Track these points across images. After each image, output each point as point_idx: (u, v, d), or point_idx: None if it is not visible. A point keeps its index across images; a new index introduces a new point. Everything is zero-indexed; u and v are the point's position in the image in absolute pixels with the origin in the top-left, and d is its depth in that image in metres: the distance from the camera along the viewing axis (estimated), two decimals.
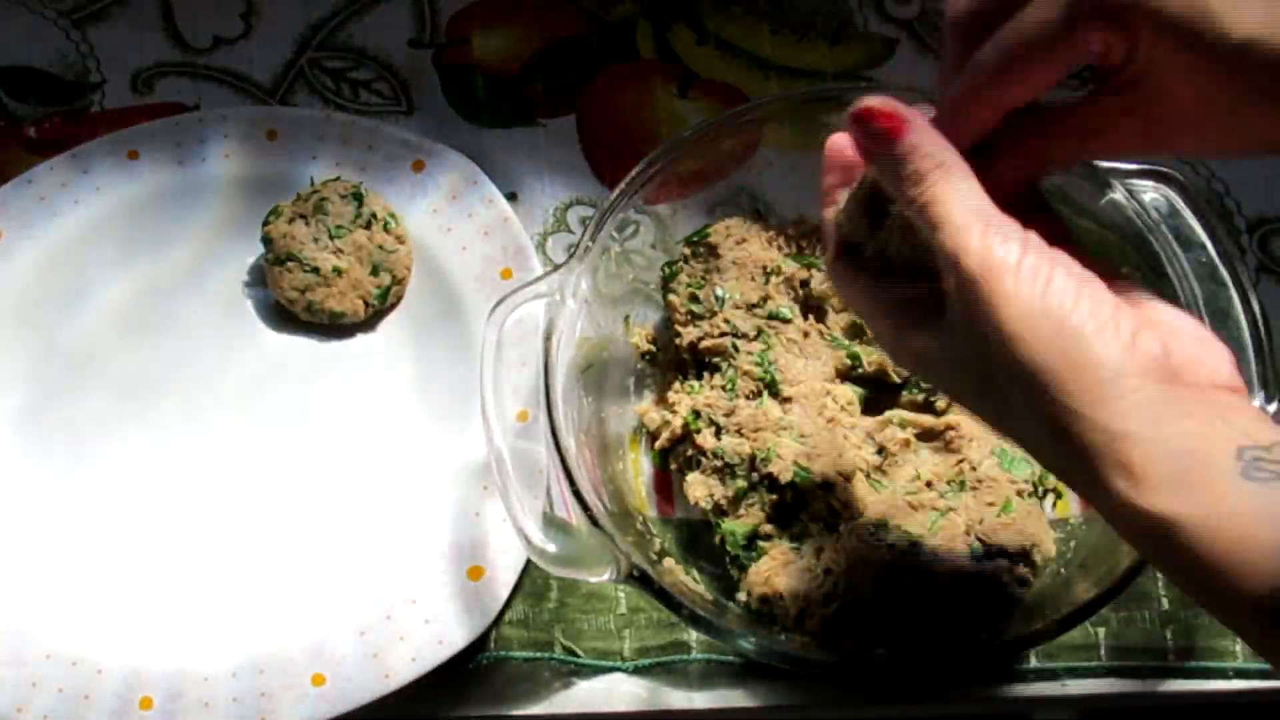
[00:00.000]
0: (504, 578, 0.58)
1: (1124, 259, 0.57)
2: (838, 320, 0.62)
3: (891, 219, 0.43)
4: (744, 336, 0.61)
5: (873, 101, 0.40)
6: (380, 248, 0.65)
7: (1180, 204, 0.55)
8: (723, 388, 0.60)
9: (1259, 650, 0.36)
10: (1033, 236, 0.39)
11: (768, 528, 0.58)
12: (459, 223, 0.66)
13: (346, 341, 0.66)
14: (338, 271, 0.65)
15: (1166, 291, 0.54)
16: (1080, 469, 0.37)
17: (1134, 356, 0.37)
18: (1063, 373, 0.36)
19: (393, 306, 0.67)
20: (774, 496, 0.58)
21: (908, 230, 0.42)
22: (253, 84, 0.73)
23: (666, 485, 0.62)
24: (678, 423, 0.60)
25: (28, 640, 0.59)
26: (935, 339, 0.41)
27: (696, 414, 0.60)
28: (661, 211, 0.62)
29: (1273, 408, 0.52)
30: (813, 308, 0.63)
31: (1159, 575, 0.59)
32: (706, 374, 0.62)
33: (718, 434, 0.59)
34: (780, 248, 0.63)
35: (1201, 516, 0.34)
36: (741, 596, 0.56)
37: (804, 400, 0.59)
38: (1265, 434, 0.36)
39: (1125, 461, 0.35)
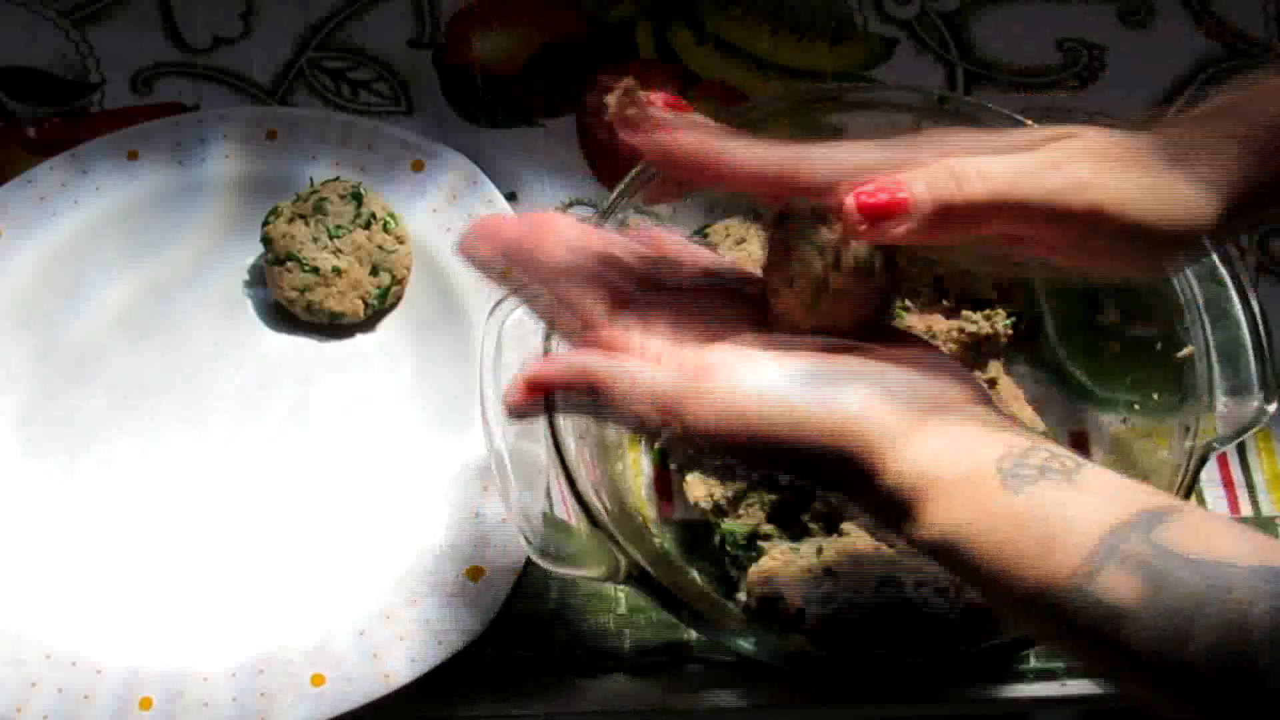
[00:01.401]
0: (504, 578, 0.58)
1: None
2: None
3: None
4: None
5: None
6: (380, 248, 0.65)
7: None
8: None
9: (1043, 644, 0.41)
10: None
11: (768, 528, 0.58)
12: (459, 223, 0.66)
13: (346, 341, 0.66)
14: (337, 271, 0.65)
15: (1166, 291, 0.54)
16: (880, 522, 0.42)
17: (880, 418, 0.40)
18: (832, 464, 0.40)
19: (392, 306, 0.67)
20: (774, 496, 0.57)
21: None
22: (252, 84, 0.73)
23: (666, 485, 0.62)
24: None
25: (27, 640, 0.58)
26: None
27: None
28: (661, 212, 0.62)
29: (1272, 408, 0.52)
30: None
31: None
32: None
33: None
34: None
35: (968, 530, 0.38)
36: (741, 596, 0.56)
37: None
38: (1019, 440, 0.39)
39: (906, 502, 0.39)
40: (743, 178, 0.42)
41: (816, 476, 0.42)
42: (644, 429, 0.42)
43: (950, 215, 0.39)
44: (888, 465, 0.40)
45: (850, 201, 0.40)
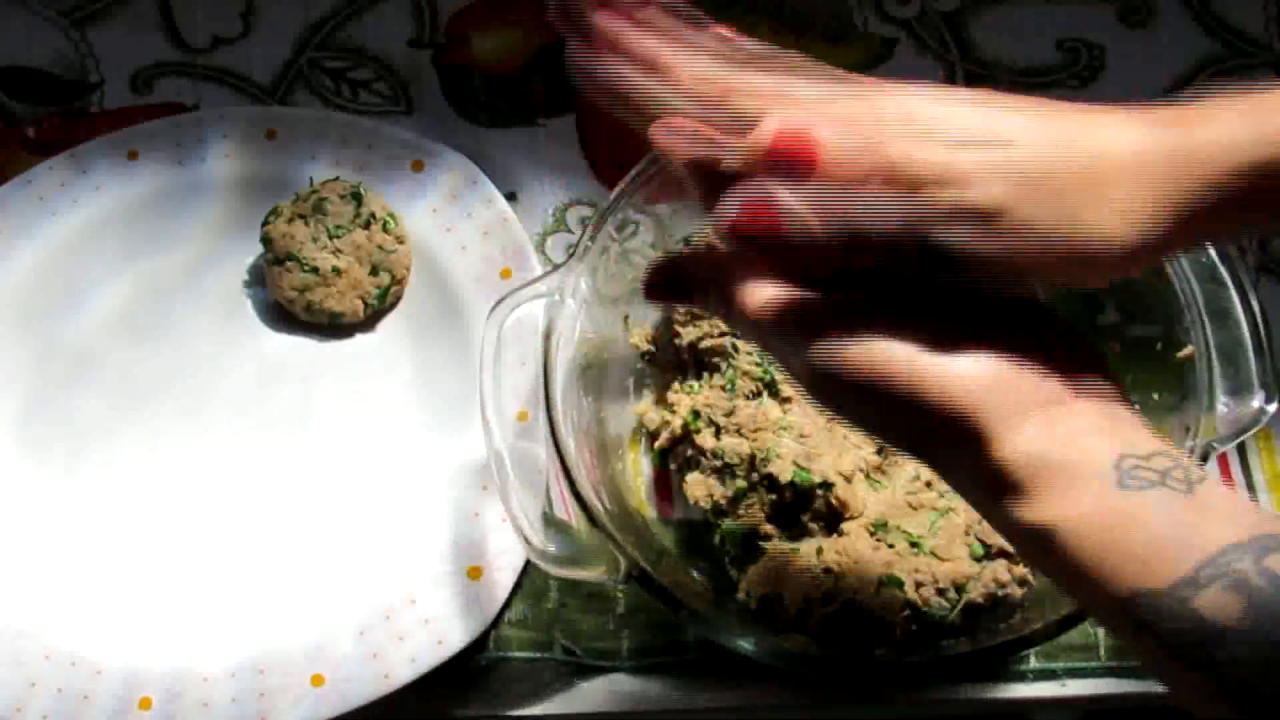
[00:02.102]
0: (503, 578, 0.58)
1: None
2: None
3: None
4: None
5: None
6: (380, 248, 0.65)
7: None
8: (722, 388, 0.60)
9: (1125, 647, 0.38)
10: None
11: (768, 528, 0.58)
12: (459, 223, 0.66)
13: (346, 342, 0.66)
14: (337, 271, 0.65)
15: (1166, 291, 0.54)
16: (972, 495, 0.40)
17: (1004, 394, 0.38)
18: (940, 430, 0.39)
19: (392, 306, 0.67)
20: (774, 496, 0.57)
21: None
22: (252, 84, 0.73)
23: (666, 485, 0.62)
24: (677, 423, 0.60)
25: (27, 640, 0.58)
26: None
27: (696, 414, 0.60)
28: (661, 211, 0.62)
29: (1272, 408, 0.52)
30: None
31: None
32: (706, 374, 0.62)
33: (717, 434, 0.59)
34: None
35: (1074, 524, 0.37)
36: (741, 596, 0.56)
37: (804, 400, 0.59)
38: (1144, 443, 0.38)
39: (1012, 483, 0.38)
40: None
41: (917, 435, 0.40)
42: (770, 333, 0.41)
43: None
44: (1002, 438, 0.38)
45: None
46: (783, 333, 0.40)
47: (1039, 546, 0.38)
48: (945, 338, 0.39)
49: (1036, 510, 0.37)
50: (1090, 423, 0.38)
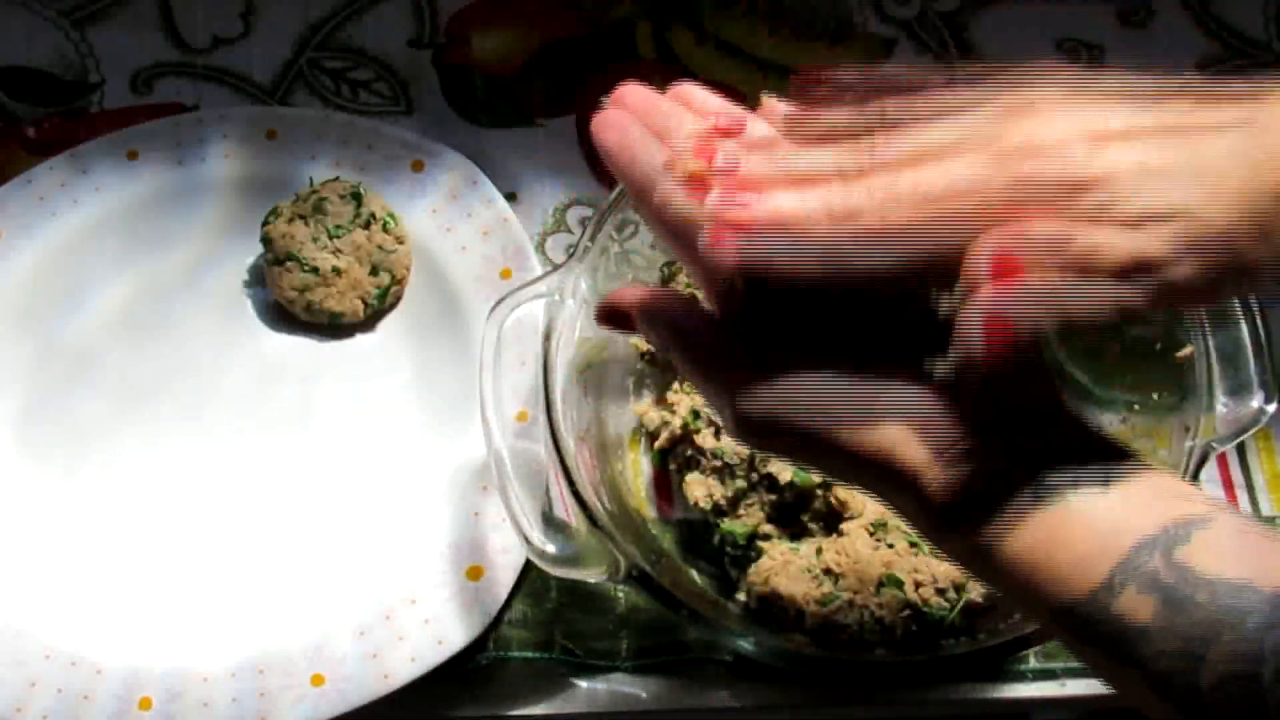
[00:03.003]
0: (503, 578, 0.58)
1: None
2: None
3: None
4: None
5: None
6: (379, 248, 0.65)
7: None
8: None
9: (1065, 645, 0.39)
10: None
11: (768, 528, 0.58)
12: (458, 223, 0.66)
13: (346, 342, 0.66)
14: (337, 271, 0.65)
15: None
16: (915, 525, 0.41)
17: (922, 442, 0.39)
18: (873, 481, 0.41)
19: (392, 306, 0.67)
20: (774, 496, 0.57)
21: None
22: (252, 84, 0.73)
23: (666, 485, 0.62)
24: (677, 423, 0.60)
25: (27, 640, 0.58)
26: None
27: (696, 414, 0.60)
28: None
29: (1272, 408, 0.52)
30: None
31: None
32: None
33: (717, 434, 0.59)
34: None
35: (1001, 545, 0.38)
36: (741, 596, 0.56)
37: None
38: (1061, 446, 0.39)
39: (945, 513, 0.39)
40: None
41: (853, 476, 0.42)
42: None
43: None
44: (928, 475, 0.39)
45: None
46: (708, 381, 0.42)
47: (979, 569, 0.39)
48: (867, 381, 0.40)
49: (970, 535, 0.38)
50: (1011, 441, 0.39)
